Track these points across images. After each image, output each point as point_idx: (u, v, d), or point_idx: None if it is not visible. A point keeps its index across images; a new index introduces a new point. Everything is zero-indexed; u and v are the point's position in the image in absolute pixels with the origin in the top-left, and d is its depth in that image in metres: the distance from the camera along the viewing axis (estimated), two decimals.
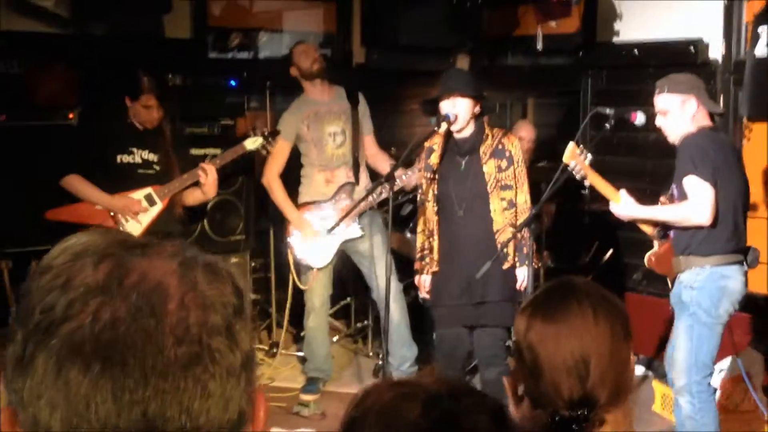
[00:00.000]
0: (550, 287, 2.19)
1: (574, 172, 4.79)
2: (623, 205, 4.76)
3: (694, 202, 4.45)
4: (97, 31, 6.45)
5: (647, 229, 4.91)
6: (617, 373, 2.03)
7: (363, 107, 6.25)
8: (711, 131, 4.62)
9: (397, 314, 5.99)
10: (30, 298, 0.94)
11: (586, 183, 4.90)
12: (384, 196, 5.64)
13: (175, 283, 0.96)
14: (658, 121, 4.72)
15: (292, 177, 6.22)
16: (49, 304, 0.92)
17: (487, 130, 5.16)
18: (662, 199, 4.81)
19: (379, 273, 5.92)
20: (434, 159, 5.19)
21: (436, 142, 5.20)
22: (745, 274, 4.65)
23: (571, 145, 4.77)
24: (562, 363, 1.98)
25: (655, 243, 4.92)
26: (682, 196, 4.53)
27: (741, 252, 4.63)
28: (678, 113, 4.62)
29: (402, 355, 6.12)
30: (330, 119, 6.11)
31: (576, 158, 4.74)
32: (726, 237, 4.55)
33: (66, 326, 0.90)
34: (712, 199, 4.44)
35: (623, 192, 4.78)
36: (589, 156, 4.77)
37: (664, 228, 4.81)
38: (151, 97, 5.33)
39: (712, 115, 4.74)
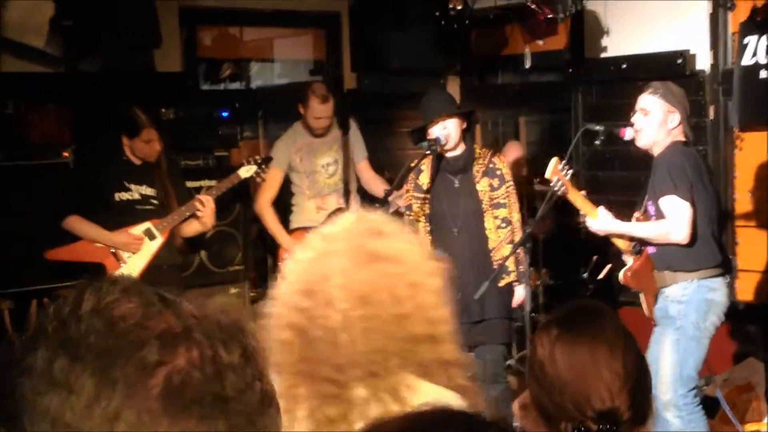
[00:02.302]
0: (574, 306, 2.23)
1: (556, 188, 4.84)
2: (601, 220, 4.79)
3: (674, 220, 4.50)
4: (88, 69, 6.48)
5: (622, 245, 4.94)
6: (643, 393, 2.04)
7: (355, 133, 6.29)
8: (684, 147, 4.68)
9: None
10: (99, 345, 0.90)
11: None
12: None
13: (243, 336, 0.98)
14: (636, 118, 4.75)
15: (283, 205, 6.27)
16: (140, 348, 0.90)
17: (477, 149, 5.20)
18: (637, 215, 4.85)
19: None
20: (424, 179, 5.20)
21: (424, 162, 5.22)
22: (729, 285, 4.70)
23: (554, 160, 4.82)
24: (591, 373, 1.99)
25: (630, 259, 4.93)
26: (659, 213, 4.57)
27: (723, 263, 4.68)
28: (659, 120, 4.66)
29: None
30: (323, 150, 6.15)
31: (558, 174, 4.79)
32: (709, 251, 4.60)
33: (161, 372, 0.90)
34: (691, 218, 4.50)
35: (601, 208, 4.82)
36: (570, 171, 4.82)
37: (639, 243, 4.84)
38: (152, 131, 5.39)
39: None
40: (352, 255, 1.99)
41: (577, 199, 4.87)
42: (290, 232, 6.20)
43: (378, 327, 1.94)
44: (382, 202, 5.15)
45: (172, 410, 0.89)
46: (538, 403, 2.08)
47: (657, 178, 4.60)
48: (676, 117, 4.65)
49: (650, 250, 4.76)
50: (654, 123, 4.68)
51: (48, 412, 0.88)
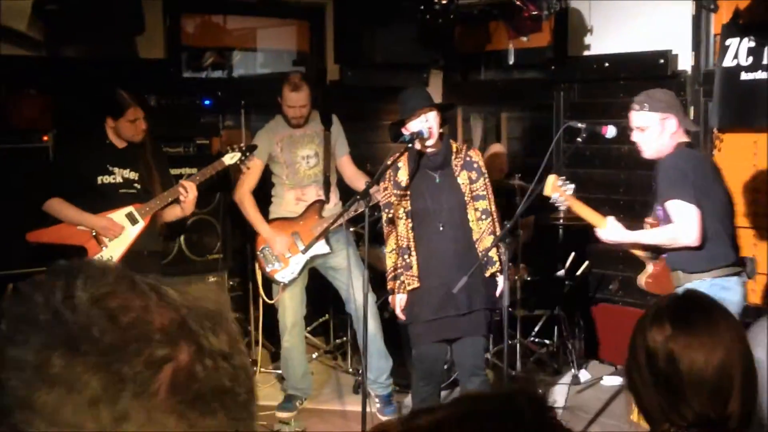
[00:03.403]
0: (685, 298, 2.14)
1: (556, 204, 4.84)
2: (610, 230, 4.77)
3: (680, 224, 4.48)
4: (70, 53, 6.45)
5: (639, 252, 4.91)
6: (753, 395, 1.97)
7: (337, 129, 6.29)
8: (687, 148, 4.65)
9: (372, 326, 6.02)
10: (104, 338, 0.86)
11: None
12: (359, 211, 5.68)
13: (227, 322, 0.96)
14: (636, 137, 4.72)
15: (264, 194, 6.27)
16: (147, 344, 0.87)
17: (454, 144, 5.21)
18: (648, 220, 4.83)
19: (356, 285, 5.94)
20: (402, 176, 5.18)
21: (401, 159, 5.20)
22: (744, 285, 4.64)
23: (551, 177, 4.79)
24: (706, 376, 1.92)
25: (649, 265, 4.90)
26: (667, 218, 4.57)
27: (739, 263, 4.64)
28: (657, 131, 4.63)
29: (378, 367, 6.15)
30: (304, 143, 6.15)
31: (557, 190, 4.78)
32: (721, 251, 4.57)
33: (168, 368, 0.87)
34: (698, 219, 4.46)
35: (610, 218, 4.80)
36: (572, 186, 4.80)
37: (655, 250, 4.81)
38: (137, 110, 5.36)
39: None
40: None
41: (584, 211, 4.86)
42: (269, 222, 6.20)
43: None
44: (362, 195, 5.13)
45: (180, 407, 0.86)
46: (636, 392, 2.04)
47: (660, 183, 4.58)
48: (672, 121, 4.63)
49: (665, 253, 4.76)
50: (653, 136, 4.65)
51: (45, 410, 0.84)
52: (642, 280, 4.94)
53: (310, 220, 6.13)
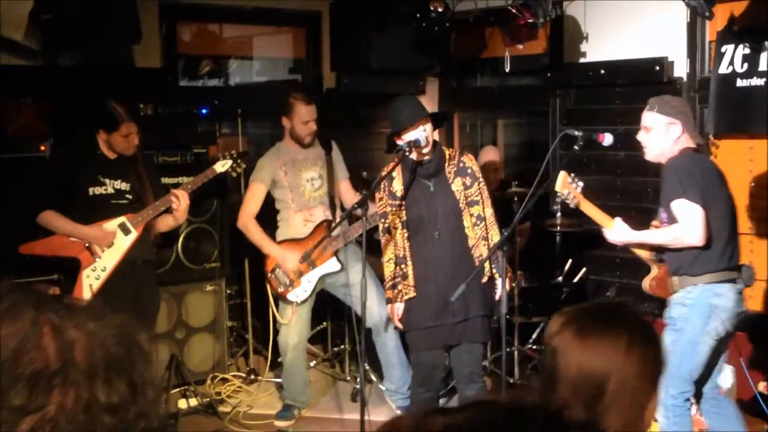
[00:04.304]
0: (599, 304, 2.18)
1: (566, 201, 4.86)
2: (616, 231, 4.80)
3: (686, 223, 4.51)
4: (67, 63, 6.44)
5: (644, 254, 4.93)
6: (632, 413, 1.95)
7: (336, 153, 6.32)
8: (694, 153, 4.70)
9: (392, 338, 6.02)
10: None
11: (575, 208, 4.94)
12: (361, 232, 5.67)
13: (132, 368, 0.88)
14: (640, 136, 4.80)
15: (267, 219, 6.25)
16: (8, 390, 0.82)
17: (447, 151, 5.22)
18: (654, 223, 4.87)
19: (371, 297, 5.92)
20: (397, 185, 5.18)
21: (394, 170, 5.20)
22: (739, 292, 4.67)
23: (562, 174, 4.83)
24: (576, 379, 1.93)
25: (654, 267, 4.91)
26: (672, 219, 4.59)
27: (734, 270, 4.66)
28: (662, 133, 4.70)
29: (401, 377, 6.14)
30: (307, 166, 6.15)
31: (568, 187, 4.81)
32: (716, 256, 4.60)
33: (28, 419, 0.82)
34: (704, 220, 4.50)
35: (618, 219, 4.83)
36: (581, 184, 4.83)
37: (660, 252, 4.84)
38: (131, 125, 5.37)
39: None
40: None
41: (591, 210, 4.89)
42: (278, 243, 6.17)
43: None
44: (360, 204, 5.12)
45: None
46: (540, 391, 2.04)
47: (666, 184, 4.63)
48: (677, 127, 4.68)
49: (665, 256, 4.78)
50: (656, 138, 4.72)
51: None
52: (646, 283, 4.97)
53: (318, 240, 6.10)
